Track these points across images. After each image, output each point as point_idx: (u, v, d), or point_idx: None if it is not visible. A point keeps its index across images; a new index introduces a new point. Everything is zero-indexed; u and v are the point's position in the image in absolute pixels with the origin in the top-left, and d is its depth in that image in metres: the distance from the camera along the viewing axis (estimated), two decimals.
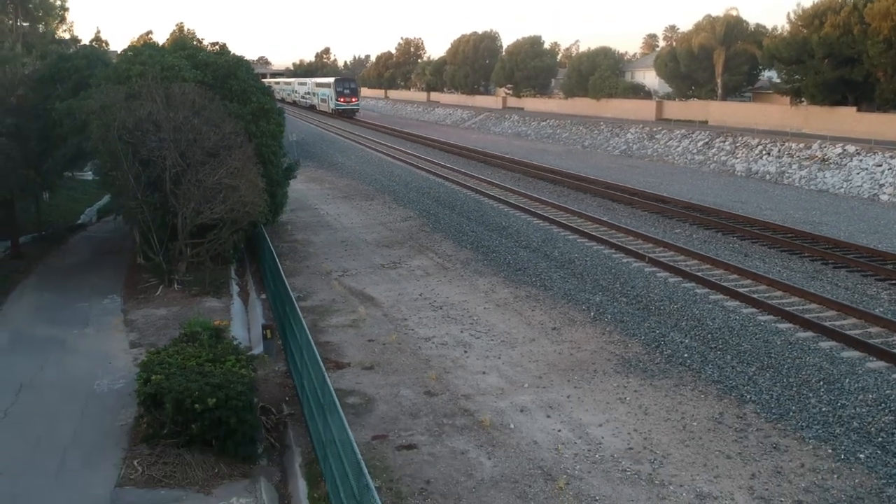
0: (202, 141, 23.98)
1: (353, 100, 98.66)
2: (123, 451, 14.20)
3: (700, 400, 15.55)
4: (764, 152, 53.46)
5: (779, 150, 52.55)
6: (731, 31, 69.13)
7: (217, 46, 30.15)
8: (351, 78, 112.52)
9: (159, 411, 13.92)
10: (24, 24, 30.19)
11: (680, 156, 58.02)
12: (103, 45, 51.33)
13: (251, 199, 24.00)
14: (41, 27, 31.48)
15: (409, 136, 72.74)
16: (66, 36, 33.27)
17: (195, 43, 29.65)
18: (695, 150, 58.52)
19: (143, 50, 27.60)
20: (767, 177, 49.00)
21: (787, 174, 48.88)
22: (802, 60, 57.30)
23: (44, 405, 16.35)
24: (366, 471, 9.87)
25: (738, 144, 56.27)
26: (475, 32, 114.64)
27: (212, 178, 23.52)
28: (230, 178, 23.65)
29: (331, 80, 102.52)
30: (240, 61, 29.00)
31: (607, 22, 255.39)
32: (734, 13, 70.66)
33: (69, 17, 33.17)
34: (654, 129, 65.14)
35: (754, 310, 19.24)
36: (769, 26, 70.66)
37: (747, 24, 70.32)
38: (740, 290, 20.54)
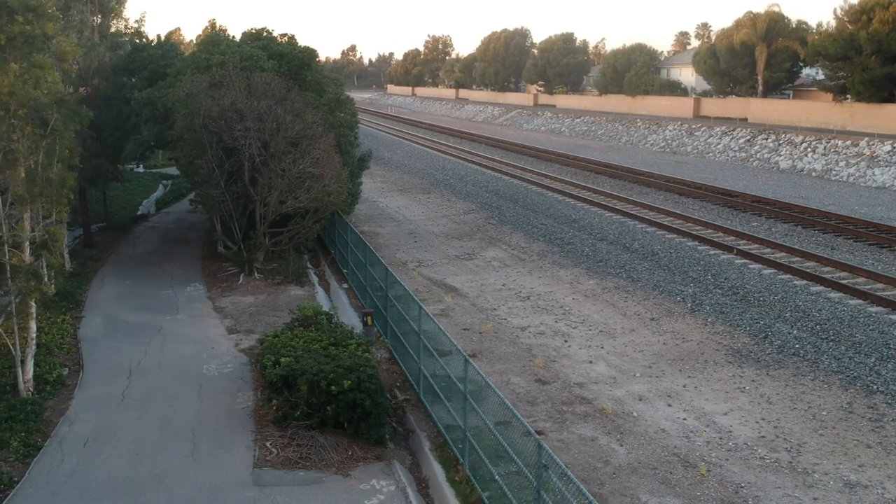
0: (285, 130, 24.04)
1: None
2: (252, 432, 14.26)
3: (824, 390, 15.41)
4: (809, 149, 52.91)
5: (824, 148, 51.99)
6: (773, 27, 68.66)
7: (286, 38, 30.14)
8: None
9: (291, 392, 13.94)
10: (98, 18, 30.37)
11: (721, 153, 57.61)
12: (144, 38, 51.58)
13: (335, 189, 24.07)
14: (114, 23, 31.65)
15: (450, 132, 72.80)
16: (142, 28, 33.37)
17: (265, 34, 29.61)
18: (736, 148, 58.08)
19: (221, 40, 27.69)
20: (813, 174, 48.52)
21: (833, 171, 48.36)
22: (849, 57, 56.72)
23: (158, 388, 16.46)
24: (547, 447, 9.88)
25: (781, 142, 55.76)
26: (506, 29, 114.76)
27: (296, 168, 23.58)
28: (314, 167, 23.70)
29: None
30: (312, 52, 29.03)
31: (604, 21, 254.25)
32: (776, 9, 70.15)
33: (127, 10, 33.06)
34: (693, 127, 64.75)
35: (861, 301, 19.09)
36: (811, 23, 70.09)
37: (789, 20, 69.82)
38: (840, 281, 20.38)
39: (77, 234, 30.39)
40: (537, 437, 10.19)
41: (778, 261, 22.61)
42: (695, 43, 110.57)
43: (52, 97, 15.17)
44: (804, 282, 20.77)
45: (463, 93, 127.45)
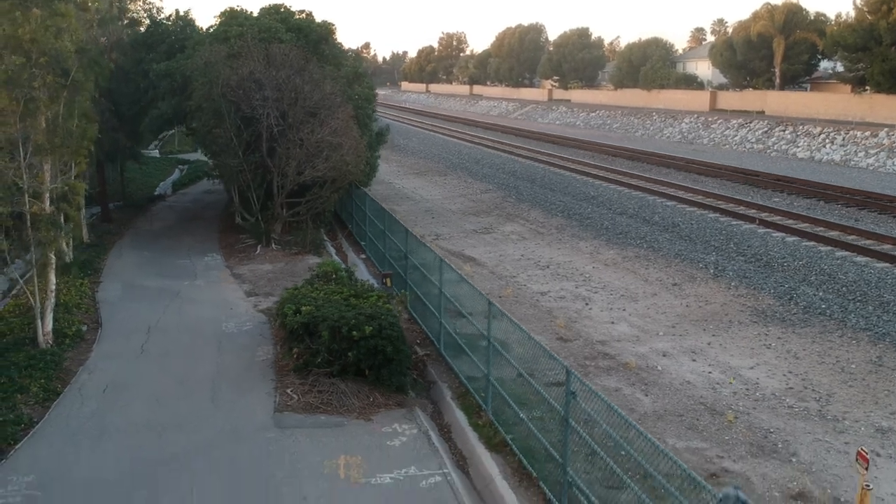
0: (303, 100, 23.96)
1: None
2: (272, 381, 14.15)
3: (852, 345, 15.15)
4: (827, 140, 52.33)
5: (843, 139, 51.40)
6: (791, 19, 67.97)
7: (304, 14, 30.04)
8: None
9: (313, 340, 13.81)
10: None
11: (738, 145, 57.10)
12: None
13: (352, 158, 23.96)
14: (132, 5, 31.67)
15: (464, 121, 72.63)
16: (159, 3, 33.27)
17: (283, 9, 29.52)
18: (753, 140, 57.53)
19: (238, 13, 27.65)
20: (832, 164, 47.99)
21: (852, 161, 47.80)
22: (868, 47, 56.08)
23: (177, 343, 16.40)
24: (575, 373, 9.75)
25: (799, 133, 55.17)
26: (520, 25, 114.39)
27: (314, 137, 23.49)
28: (333, 136, 23.60)
29: None
30: (330, 27, 28.95)
31: (619, 18, 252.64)
32: (794, 1, 69.50)
33: None
34: (710, 119, 64.26)
35: (888, 264, 18.81)
36: (830, 15, 69.52)
37: (807, 12, 69.18)
38: (867, 247, 20.10)
39: (95, 211, 30.43)
40: (564, 363, 10.02)
41: (801, 230, 22.34)
42: (710, 39, 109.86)
43: (73, 46, 15.11)
44: (828, 248, 20.54)
45: (477, 89, 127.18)
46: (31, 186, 14.99)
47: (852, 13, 59.03)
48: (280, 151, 23.73)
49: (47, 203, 15.44)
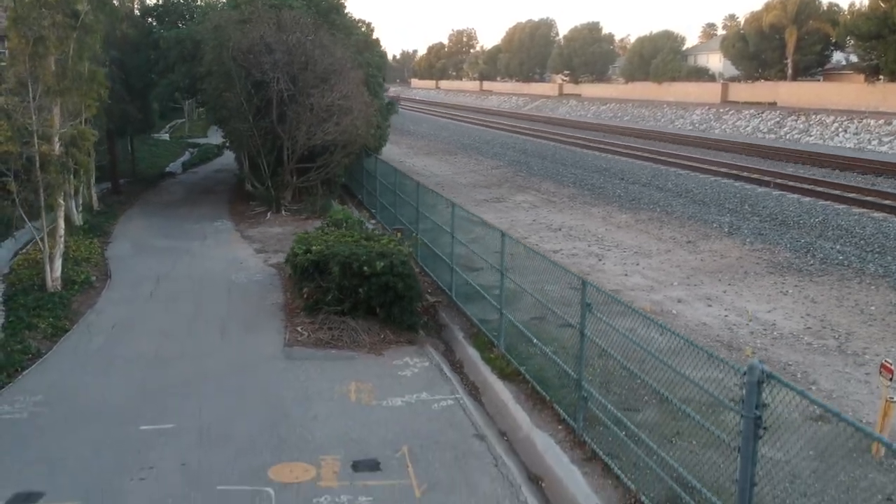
0: (314, 65, 23.80)
1: None
2: (282, 321, 14.00)
3: (871, 290, 14.90)
4: (840, 129, 51.80)
5: (856, 127, 50.89)
6: (804, 9, 67.57)
7: None
8: None
9: (323, 278, 13.61)
10: None
11: (750, 134, 56.56)
12: None
13: (363, 123, 23.80)
14: None
15: (474, 110, 72.48)
16: None
17: None
18: (765, 129, 57.03)
19: None
20: (845, 150, 47.48)
21: (866, 149, 47.26)
22: (882, 35, 55.54)
23: (187, 290, 16.27)
24: (591, 283, 9.57)
25: (811, 122, 54.67)
26: (531, 20, 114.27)
27: (324, 101, 23.34)
28: (343, 100, 23.45)
29: None
30: None
31: (629, 14, 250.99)
32: None
33: None
34: (721, 111, 63.84)
35: None
36: (843, 5, 69.03)
37: (820, 2, 68.74)
38: (887, 205, 19.87)
39: (104, 187, 30.30)
40: (578, 275, 9.82)
41: (817, 192, 22.11)
42: (722, 34, 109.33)
43: None
44: (844, 206, 20.30)
45: (487, 85, 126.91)
46: (41, 128, 14.87)
47: (866, 1, 58.62)
48: (290, 116, 23.59)
49: (56, 146, 15.33)
